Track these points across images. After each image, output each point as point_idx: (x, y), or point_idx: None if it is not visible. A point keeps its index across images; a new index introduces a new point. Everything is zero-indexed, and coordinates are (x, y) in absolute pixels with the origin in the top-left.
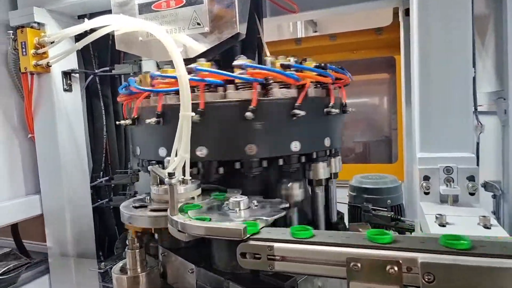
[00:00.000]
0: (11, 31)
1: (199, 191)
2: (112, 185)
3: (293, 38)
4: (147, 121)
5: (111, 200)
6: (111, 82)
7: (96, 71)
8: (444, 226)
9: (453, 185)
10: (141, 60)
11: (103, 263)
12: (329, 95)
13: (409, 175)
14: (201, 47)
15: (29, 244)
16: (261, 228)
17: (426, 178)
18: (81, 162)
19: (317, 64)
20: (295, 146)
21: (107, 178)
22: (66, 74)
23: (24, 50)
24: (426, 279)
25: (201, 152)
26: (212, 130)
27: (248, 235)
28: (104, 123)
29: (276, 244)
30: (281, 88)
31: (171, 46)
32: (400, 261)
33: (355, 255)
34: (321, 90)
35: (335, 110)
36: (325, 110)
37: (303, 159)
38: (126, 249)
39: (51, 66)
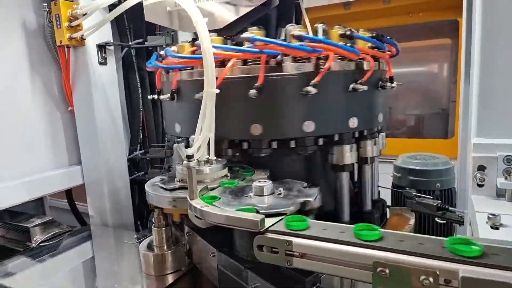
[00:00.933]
0: (46, 3)
1: (225, 171)
2: (148, 158)
3: (341, 1)
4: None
5: (146, 174)
6: (147, 55)
7: (130, 43)
8: (497, 228)
9: None
10: (174, 32)
11: (135, 236)
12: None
13: (463, 154)
14: (230, 16)
15: (82, 206)
16: (281, 219)
17: (481, 168)
18: (118, 134)
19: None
20: (308, 127)
21: (142, 151)
22: (101, 47)
23: (58, 23)
24: None
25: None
26: (267, 105)
27: (266, 227)
28: (140, 96)
29: (295, 240)
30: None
31: (196, 15)
32: (437, 272)
33: (383, 260)
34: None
35: (362, 87)
36: (351, 86)
37: (320, 141)
38: (152, 227)
39: (85, 39)
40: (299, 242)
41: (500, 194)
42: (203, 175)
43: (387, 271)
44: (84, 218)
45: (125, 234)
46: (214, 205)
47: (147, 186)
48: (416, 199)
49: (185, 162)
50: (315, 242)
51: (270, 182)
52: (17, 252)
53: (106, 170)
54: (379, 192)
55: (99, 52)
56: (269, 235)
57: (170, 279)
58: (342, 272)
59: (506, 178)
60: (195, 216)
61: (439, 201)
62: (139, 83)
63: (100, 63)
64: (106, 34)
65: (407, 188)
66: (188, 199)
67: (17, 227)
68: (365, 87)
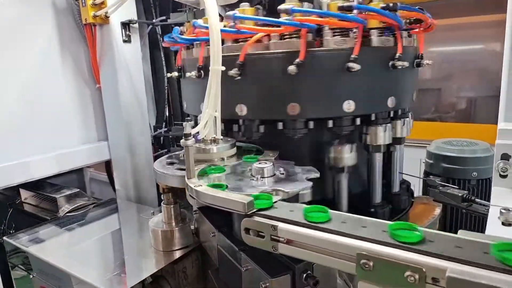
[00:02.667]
0: None
1: (233, 151)
2: (170, 136)
3: None
4: (188, 74)
5: (169, 151)
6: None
7: (154, 21)
8: (509, 225)
9: None
10: (196, 8)
11: (152, 211)
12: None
13: None
14: None
15: None
16: (275, 202)
17: (505, 157)
18: (142, 112)
19: (385, 4)
20: (348, 106)
21: (165, 129)
22: (125, 25)
23: (83, 1)
24: None
25: (241, 110)
26: (251, 86)
27: (254, 210)
28: (165, 75)
29: (281, 225)
30: (335, 36)
31: None
32: (424, 270)
33: (367, 252)
34: (388, 38)
35: (402, 63)
36: (390, 63)
37: (358, 121)
38: (162, 204)
39: (109, 16)
40: (285, 227)
41: None
42: (209, 154)
43: (370, 263)
44: None
45: (144, 209)
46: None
47: (155, 165)
48: (440, 188)
49: (182, 140)
50: (300, 229)
51: (271, 164)
52: (46, 220)
53: (130, 146)
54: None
55: (123, 30)
56: (257, 218)
57: (177, 254)
58: (327, 261)
59: None
60: (190, 195)
61: (465, 192)
62: (164, 61)
63: (124, 41)
64: (130, 12)
65: (431, 176)
66: (186, 178)
67: (47, 197)
68: (406, 63)
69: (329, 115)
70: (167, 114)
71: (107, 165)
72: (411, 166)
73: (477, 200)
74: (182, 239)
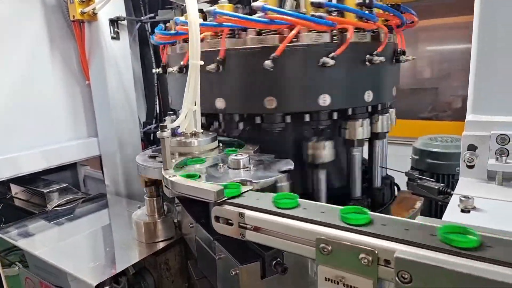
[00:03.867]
0: None
1: (213, 144)
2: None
3: None
4: (169, 70)
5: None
6: None
7: (142, 18)
8: (467, 212)
9: (507, 159)
10: (183, 5)
11: (138, 205)
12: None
13: None
14: None
15: None
16: (244, 192)
17: (472, 147)
18: (131, 108)
19: (360, 1)
20: (324, 100)
21: (155, 125)
22: (113, 22)
23: None
24: (402, 278)
25: (220, 104)
26: (229, 80)
27: (224, 198)
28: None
29: (247, 212)
30: (311, 31)
31: None
32: (376, 252)
33: (325, 236)
34: (364, 34)
35: (379, 59)
36: (367, 58)
37: (335, 115)
38: (145, 197)
39: (96, 13)
40: (251, 214)
41: (491, 176)
42: (190, 147)
43: (329, 248)
44: None
45: (133, 203)
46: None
47: (137, 158)
48: (418, 181)
49: (158, 132)
50: (265, 216)
51: (247, 155)
52: (34, 214)
53: (119, 142)
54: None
55: (111, 27)
56: (226, 206)
57: (160, 246)
58: (290, 247)
59: (497, 159)
60: (165, 186)
61: (442, 184)
62: (153, 58)
63: (113, 38)
64: (118, 9)
65: (409, 170)
66: (162, 169)
67: (36, 192)
68: (382, 58)
69: (305, 109)
70: (157, 110)
71: (102, 162)
72: (405, 163)
73: (453, 192)
74: (164, 231)
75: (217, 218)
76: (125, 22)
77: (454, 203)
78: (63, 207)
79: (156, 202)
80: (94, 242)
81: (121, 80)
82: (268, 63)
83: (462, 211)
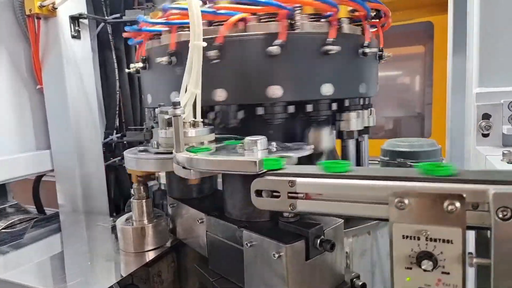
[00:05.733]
0: None
1: (211, 136)
2: (125, 142)
3: None
4: (158, 60)
5: (123, 159)
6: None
7: (107, 17)
8: None
9: None
10: (153, 5)
11: (111, 219)
12: (364, 33)
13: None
14: None
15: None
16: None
17: (486, 116)
18: (92, 116)
19: None
20: (327, 89)
21: (119, 135)
22: (74, 19)
23: None
24: (501, 216)
25: (220, 95)
26: (231, 69)
27: (264, 170)
28: (117, 78)
29: (299, 179)
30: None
31: None
32: (464, 195)
33: (402, 189)
34: (355, 27)
35: (372, 50)
36: (360, 50)
37: (334, 106)
38: (131, 199)
39: (56, 8)
40: (304, 181)
41: (506, 144)
42: (188, 138)
43: (406, 201)
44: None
45: (99, 218)
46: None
47: (126, 153)
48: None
49: (170, 109)
50: (322, 180)
51: (265, 137)
52: None
53: (79, 154)
54: None
55: (72, 24)
56: (270, 177)
57: (151, 255)
58: (356, 210)
59: None
60: (183, 167)
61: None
62: (116, 64)
63: (73, 37)
64: (80, 6)
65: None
66: (174, 152)
67: None
68: (375, 49)
69: (309, 97)
70: (117, 122)
71: (37, 180)
72: None
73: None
74: (156, 237)
75: (259, 192)
76: (87, 21)
77: (495, 161)
78: (11, 229)
79: (145, 204)
80: (71, 260)
81: (82, 85)
82: (274, 49)
83: (509, 162)
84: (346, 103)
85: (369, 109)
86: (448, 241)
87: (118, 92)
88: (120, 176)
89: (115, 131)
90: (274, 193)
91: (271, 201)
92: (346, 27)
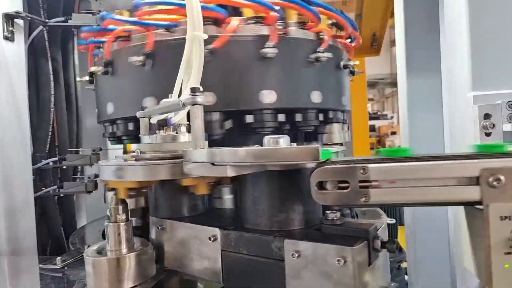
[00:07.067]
0: None
1: (206, 143)
2: (64, 167)
3: None
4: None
5: (61, 187)
6: (62, 42)
7: (47, 20)
8: None
9: None
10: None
11: (58, 258)
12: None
13: None
14: None
15: None
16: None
17: (487, 116)
18: (22, 134)
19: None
20: (316, 97)
21: (56, 159)
22: (8, 18)
23: None
24: None
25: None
26: (219, 72)
27: (323, 160)
28: (52, 93)
29: (372, 165)
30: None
31: None
32: None
33: (496, 165)
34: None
35: (350, 63)
36: (342, 62)
37: (320, 116)
38: (106, 223)
39: None
40: (378, 166)
41: (506, 141)
42: (181, 143)
43: (501, 178)
44: None
45: (32, 259)
46: None
47: (104, 162)
48: None
49: (190, 95)
50: (398, 163)
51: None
52: None
53: (4, 182)
54: None
55: (6, 23)
56: (335, 165)
57: None
58: (441, 194)
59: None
60: (213, 164)
61: None
62: (52, 77)
63: (6, 38)
64: (16, 3)
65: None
66: (193, 150)
67: None
68: (329, 55)
69: (299, 105)
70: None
71: None
72: None
73: None
74: (140, 270)
75: (322, 185)
76: (22, 23)
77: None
78: None
79: (125, 229)
80: None
81: (12, 96)
82: (268, 50)
83: None
84: (330, 114)
85: (346, 124)
86: None
87: (52, 110)
88: (48, 210)
89: (46, 155)
90: (341, 184)
91: (339, 193)
92: (330, 39)
